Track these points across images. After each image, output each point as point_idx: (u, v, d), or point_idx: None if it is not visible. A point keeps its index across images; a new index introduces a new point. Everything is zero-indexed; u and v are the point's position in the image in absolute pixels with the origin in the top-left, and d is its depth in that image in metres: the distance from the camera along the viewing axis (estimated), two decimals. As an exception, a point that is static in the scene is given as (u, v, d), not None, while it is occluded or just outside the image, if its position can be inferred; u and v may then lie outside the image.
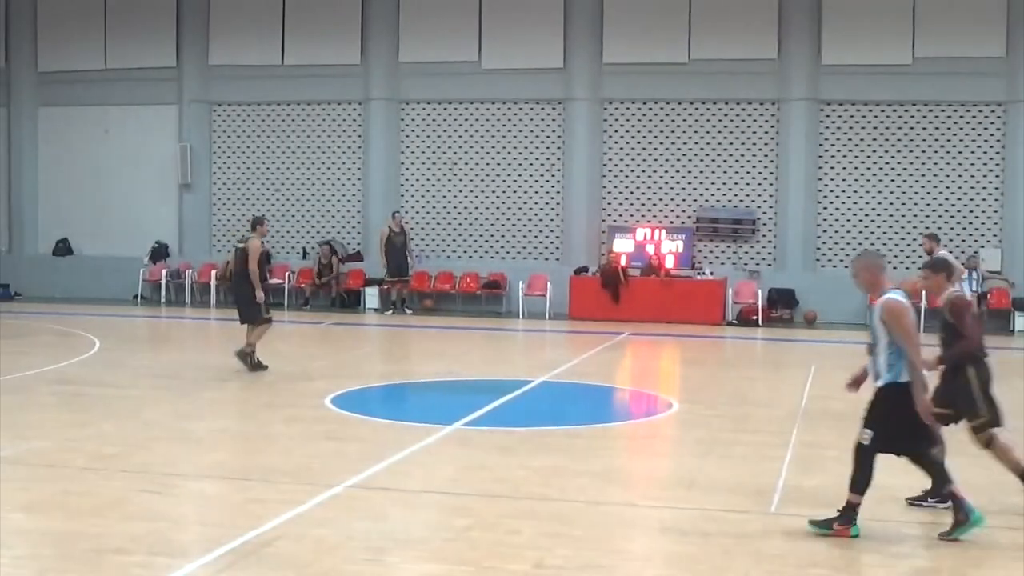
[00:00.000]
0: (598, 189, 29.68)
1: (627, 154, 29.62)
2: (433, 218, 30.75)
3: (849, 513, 9.35)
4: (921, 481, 10.13)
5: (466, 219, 30.56)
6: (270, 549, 8.99)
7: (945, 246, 22.36)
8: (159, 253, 32.19)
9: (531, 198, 30.19)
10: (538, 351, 24.27)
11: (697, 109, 29.23)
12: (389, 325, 27.66)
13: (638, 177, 29.60)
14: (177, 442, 13.31)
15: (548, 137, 30.05)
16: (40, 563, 8.68)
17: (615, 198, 29.71)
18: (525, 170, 30.19)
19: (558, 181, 29.98)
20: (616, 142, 29.67)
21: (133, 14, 32.15)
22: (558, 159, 29.96)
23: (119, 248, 32.44)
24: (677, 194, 29.40)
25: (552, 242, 30.04)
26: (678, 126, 29.35)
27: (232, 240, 31.72)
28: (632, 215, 29.52)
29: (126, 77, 32.23)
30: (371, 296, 30.07)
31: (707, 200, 29.19)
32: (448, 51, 30.22)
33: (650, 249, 28.44)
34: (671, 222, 29.20)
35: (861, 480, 9.40)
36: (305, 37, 31.03)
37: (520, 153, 30.20)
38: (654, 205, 29.45)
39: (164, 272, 31.72)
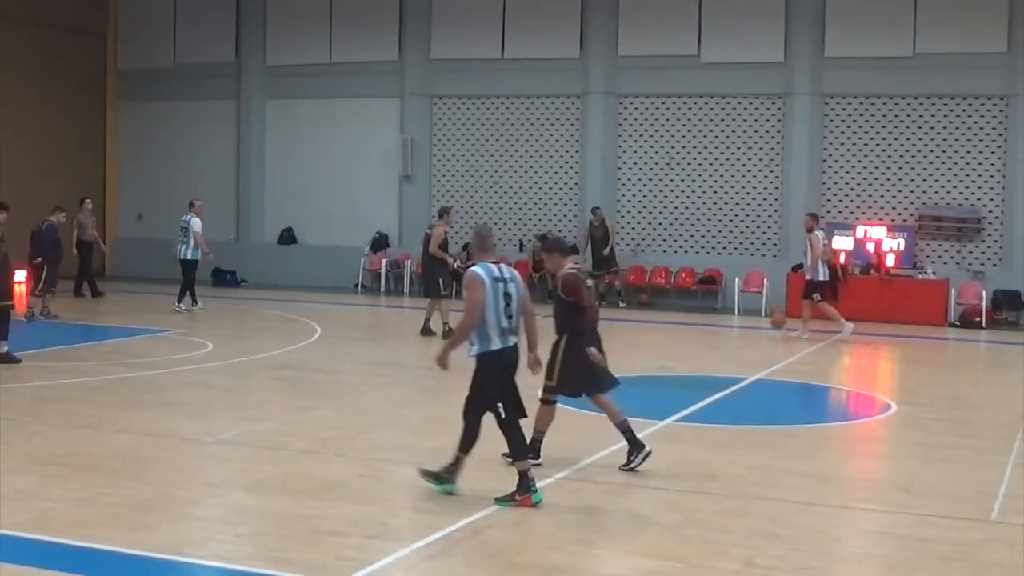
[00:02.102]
0: (817, 185, 29.11)
1: (848, 150, 28.98)
2: (650, 212, 30.63)
3: (524, 482, 10.00)
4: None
5: (683, 214, 30.34)
6: (482, 537, 9.13)
7: (822, 229, 24.16)
8: (379, 243, 32.80)
9: (749, 193, 29.80)
10: (753, 348, 23.96)
11: (921, 104, 28.40)
12: (603, 319, 27.60)
13: (859, 173, 28.93)
14: (394, 428, 13.61)
15: (767, 132, 29.60)
16: (260, 541, 8.99)
17: (835, 194, 29.11)
18: (743, 165, 29.82)
19: (776, 177, 29.51)
20: (837, 137, 29.05)
21: (358, 9, 32.86)
22: (777, 154, 29.50)
23: (341, 238, 33.22)
24: (899, 191, 28.64)
25: (770, 238, 29.60)
26: (901, 121, 28.57)
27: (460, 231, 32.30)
28: (852, 212, 28.88)
29: (350, 71, 32.95)
30: (585, 290, 30.03)
31: (930, 197, 28.37)
32: (667, 45, 30.00)
33: (870, 247, 27.84)
34: (892, 220, 28.48)
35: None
36: (525, 31, 31.21)
37: (738, 148, 29.82)
38: (875, 202, 28.75)
39: (384, 262, 32.31)
